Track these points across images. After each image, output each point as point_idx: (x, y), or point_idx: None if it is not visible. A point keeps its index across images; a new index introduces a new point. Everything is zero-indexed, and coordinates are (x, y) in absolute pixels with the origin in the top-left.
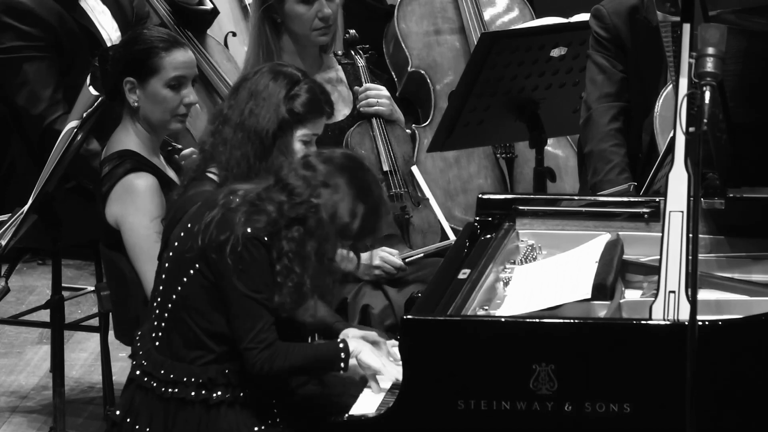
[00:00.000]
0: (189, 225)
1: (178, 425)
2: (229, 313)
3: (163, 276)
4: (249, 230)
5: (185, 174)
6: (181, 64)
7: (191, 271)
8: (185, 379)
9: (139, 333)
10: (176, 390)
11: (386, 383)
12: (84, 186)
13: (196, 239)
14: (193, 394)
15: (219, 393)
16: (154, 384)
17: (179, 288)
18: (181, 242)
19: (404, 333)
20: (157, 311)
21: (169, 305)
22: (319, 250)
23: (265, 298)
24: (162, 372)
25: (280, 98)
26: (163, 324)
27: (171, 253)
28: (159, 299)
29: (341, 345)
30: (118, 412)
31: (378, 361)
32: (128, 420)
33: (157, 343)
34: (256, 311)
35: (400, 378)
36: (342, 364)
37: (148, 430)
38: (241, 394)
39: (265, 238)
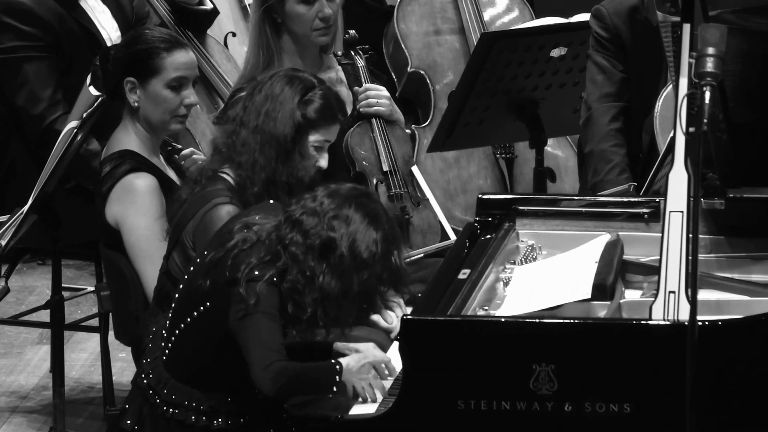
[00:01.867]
0: (206, 253)
1: None
2: (241, 339)
3: (178, 295)
4: (257, 271)
5: (200, 172)
6: (182, 65)
7: (208, 303)
8: (186, 403)
9: (154, 329)
10: (177, 411)
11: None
12: (84, 186)
13: (210, 274)
14: (193, 418)
15: (220, 420)
16: (158, 400)
17: (195, 314)
18: (197, 270)
19: (404, 333)
20: (170, 322)
21: (182, 325)
22: (343, 287)
23: (277, 317)
24: (165, 391)
25: (295, 103)
26: (173, 338)
27: (187, 276)
28: (174, 314)
29: (337, 368)
30: (129, 422)
31: (360, 385)
32: (136, 428)
33: (165, 358)
34: (268, 329)
35: (378, 398)
36: (334, 388)
37: None
38: (242, 420)
39: (275, 279)
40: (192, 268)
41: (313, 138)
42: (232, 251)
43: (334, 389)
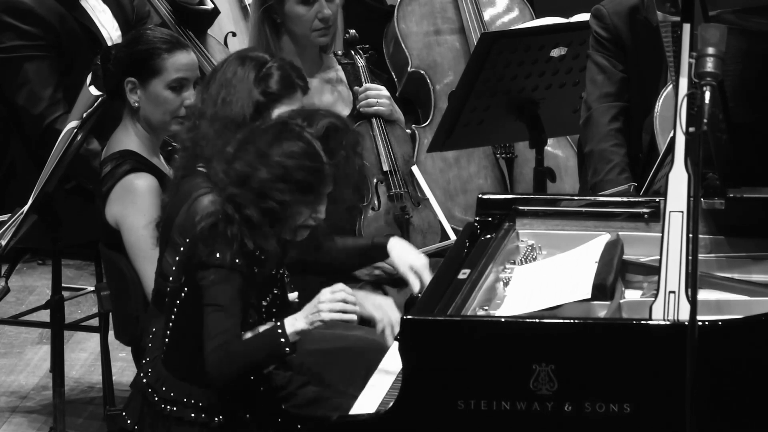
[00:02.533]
0: (179, 238)
1: None
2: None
3: (171, 285)
4: (215, 255)
5: (174, 173)
6: (183, 66)
7: (182, 293)
8: (185, 400)
9: (154, 329)
10: (175, 409)
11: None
12: (84, 186)
13: (181, 264)
14: (192, 415)
15: (220, 417)
16: (156, 398)
17: (175, 309)
18: (181, 255)
19: (404, 333)
20: (165, 319)
21: (170, 324)
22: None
23: (227, 309)
24: (163, 389)
25: (251, 81)
26: (168, 335)
27: (175, 267)
28: (166, 311)
29: (278, 328)
30: (129, 421)
31: (329, 310)
32: (136, 428)
33: (162, 356)
34: (211, 320)
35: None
36: (286, 348)
37: None
38: (243, 417)
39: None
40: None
41: (279, 111)
42: (197, 237)
43: (288, 353)
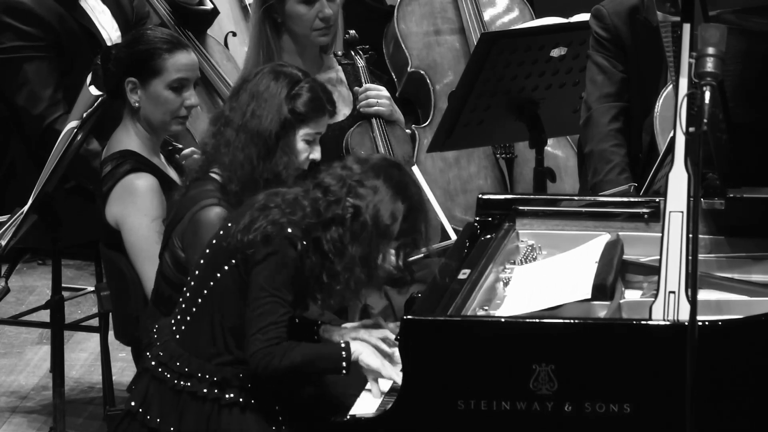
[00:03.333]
0: (229, 224)
1: (187, 418)
2: (246, 305)
3: (197, 272)
4: (285, 229)
5: (188, 174)
6: (184, 66)
7: (226, 267)
8: (199, 375)
9: (157, 326)
10: (189, 384)
11: (385, 386)
12: (84, 186)
13: (234, 236)
14: (205, 390)
15: (232, 395)
16: (168, 375)
17: (212, 283)
18: (219, 239)
19: (404, 333)
20: (184, 305)
21: (199, 300)
22: (363, 253)
23: (282, 297)
24: (178, 364)
25: (282, 98)
26: (188, 318)
27: (208, 250)
28: (189, 293)
29: (343, 345)
30: (133, 403)
31: (378, 362)
32: (141, 410)
33: (178, 336)
34: (269, 307)
35: (398, 380)
36: (344, 364)
37: (158, 420)
38: (253, 400)
39: (302, 243)
40: (214, 241)
41: (304, 131)
42: (260, 210)
43: (344, 372)
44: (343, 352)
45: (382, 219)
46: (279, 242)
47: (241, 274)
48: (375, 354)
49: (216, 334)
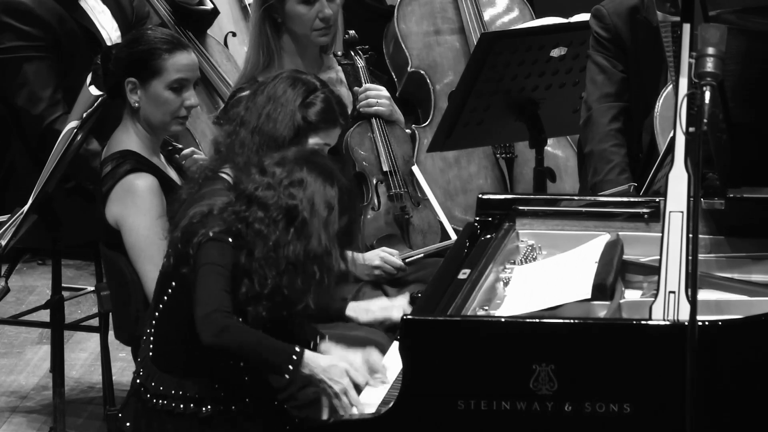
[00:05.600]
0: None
1: None
2: (194, 290)
3: (157, 285)
4: (211, 232)
5: (200, 172)
6: (184, 67)
7: (173, 283)
8: (173, 392)
9: (147, 330)
10: (165, 402)
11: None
12: (84, 186)
13: (175, 249)
14: (182, 407)
15: (209, 407)
16: (148, 395)
17: (165, 298)
18: (166, 254)
19: (404, 333)
20: (151, 320)
21: (157, 314)
22: (313, 249)
23: (227, 272)
24: (153, 384)
25: (296, 105)
26: (153, 331)
27: (163, 263)
28: (152, 307)
29: (297, 350)
30: (128, 424)
31: (340, 386)
32: (134, 429)
33: (151, 354)
34: (215, 278)
35: (342, 412)
36: (290, 367)
37: None
38: (233, 408)
39: (230, 239)
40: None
41: (313, 141)
42: (186, 227)
43: (287, 376)
44: (293, 356)
45: (320, 210)
46: (209, 240)
47: (186, 290)
48: (336, 378)
49: (180, 347)
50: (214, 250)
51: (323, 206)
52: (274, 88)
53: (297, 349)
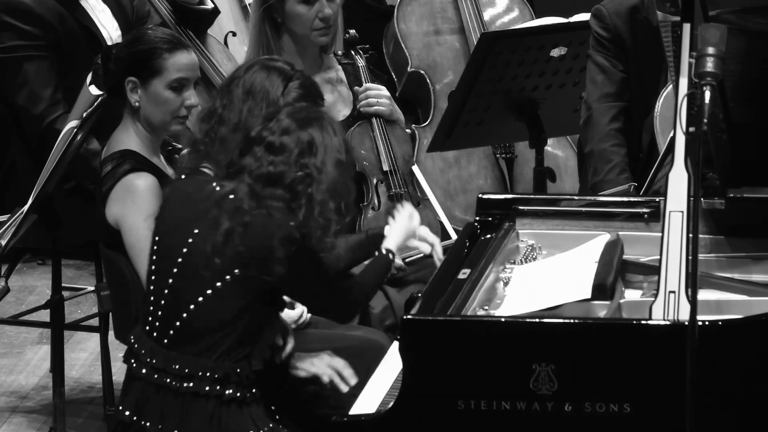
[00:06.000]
0: (197, 231)
1: (191, 419)
2: (308, 297)
3: (171, 280)
4: (291, 227)
5: (178, 170)
6: (184, 66)
7: (227, 277)
8: (200, 374)
9: (133, 336)
10: (191, 384)
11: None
12: (84, 186)
13: (222, 249)
14: (207, 388)
15: (231, 391)
16: (167, 380)
17: (200, 299)
18: (195, 251)
19: (404, 333)
20: (166, 314)
21: (194, 304)
22: (338, 204)
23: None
24: (176, 367)
25: (278, 95)
26: (178, 323)
27: (181, 260)
28: (169, 303)
29: (388, 254)
30: (127, 413)
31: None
32: (135, 418)
33: (166, 341)
34: (318, 260)
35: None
36: (390, 264)
37: (159, 427)
38: (248, 395)
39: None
40: (185, 250)
41: None
42: (245, 216)
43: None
44: (390, 255)
45: (339, 157)
46: (295, 246)
47: (249, 282)
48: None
49: (215, 334)
50: (304, 262)
51: (334, 160)
52: (250, 81)
53: (387, 254)
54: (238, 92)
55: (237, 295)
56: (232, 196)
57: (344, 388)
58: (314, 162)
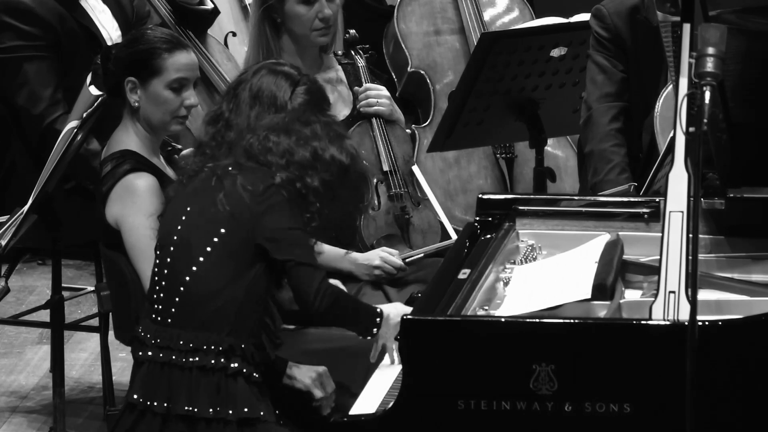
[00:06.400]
0: (189, 209)
1: (199, 392)
2: (282, 247)
3: (169, 260)
4: (281, 177)
5: (183, 173)
6: (184, 66)
7: (215, 239)
8: (205, 347)
9: (140, 327)
10: (197, 358)
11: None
12: (84, 186)
13: (217, 209)
14: (213, 361)
15: (236, 365)
16: (173, 357)
17: (201, 259)
18: (188, 225)
19: (404, 333)
20: (167, 293)
21: (189, 275)
22: (349, 194)
23: (306, 230)
24: (181, 342)
25: (285, 100)
26: (182, 289)
27: (176, 237)
28: (168, 281)
29: (378, 311)
30: (135, 396)
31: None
32: (141, 400)
33: (170, 320)
34: (305, 242)
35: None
36: (374, 330)
37: (166, 405)
38: (255, 374)
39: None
40: (181, 227)
41: None
42: (244, 173)
43: (371, 336)
44: (378, 318)
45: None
46: (279, 187)
47: (234, 239)
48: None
49: (215, 303)
50: (285, 212)
51: (340, 150)
52: (257, 85)
53: (378, 310)
54: (245, 96)
55: (228, 256)
56: (221, 167)
57: (324, 411)
58: (318, 146)
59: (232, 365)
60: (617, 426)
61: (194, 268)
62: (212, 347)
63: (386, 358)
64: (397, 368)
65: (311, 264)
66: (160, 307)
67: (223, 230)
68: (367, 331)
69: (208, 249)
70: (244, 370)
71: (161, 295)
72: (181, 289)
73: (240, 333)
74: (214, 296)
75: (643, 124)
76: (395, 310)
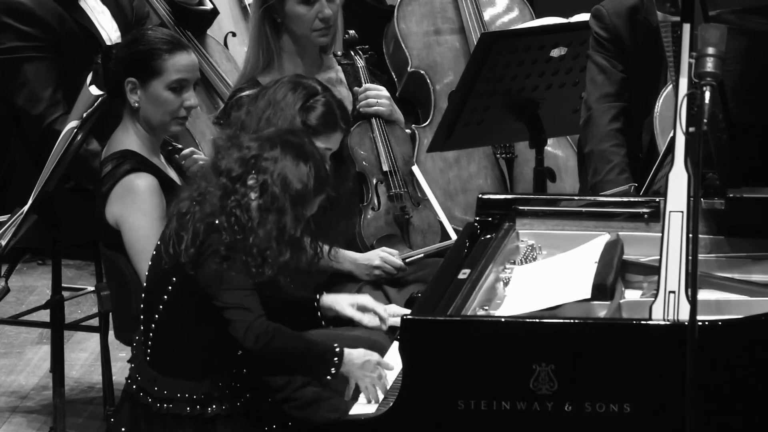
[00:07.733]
0: (158, 242)
1: None
2: (222, 307)
3: (147, 292)
4: (212, 221)
5: (194, 176)
6: (184, 67)
7: (169, 287)
8: (179, 396)
9: (137, 338)
10: (171, 406)
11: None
12: (84, 186)
13: (167, 255)
14: (188, 409)
15: (214, 407)
16: (149, 399)
17: (161, 306)
18: (155, 258)
19: (404, 333)
20: (145, 324)
21: (157, 316)
22: (280, 224)
23: (251, 287)
24: (155, 389)
25: (296, 109)
26: (151, 335)
27: (146, 283)
28: (146, 313)
29: (337, 350)
30: (123, 429)
31: (371, 379)
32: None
33: (148, 358)
34: (241, 280)
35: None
36: (332, 370)
37: None
38: (238, 404)
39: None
40: (152, 260)
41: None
42: (195, 241)
43: (330, 376)
44: (335, 358)
45: (292, 185)
46: (211, 239)
47: (188, 289)
48: (369, 371)
49: (183, 349)
50: (232, 273)
51: (296, 182)
52: (274, 92)
53: (337, 350)
54: (263, 102)
55: (182, 305)
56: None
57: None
58: (272, 170)
59: (209, 410)
60: (617, 426)
61: (157, 316)
62: (186, 395)
63: (362, 396)
64: (397, 368)
65: (240, 306)
66: (144, 336)
67: (174, 279)
68: (324, 372)
69: (165, 297)
70: (224, 408)
71: (145, 324)
72: (151, 334)
73: (215, 374)
74: (181, 342)
75: (643, 124)
76: (360, 351)
